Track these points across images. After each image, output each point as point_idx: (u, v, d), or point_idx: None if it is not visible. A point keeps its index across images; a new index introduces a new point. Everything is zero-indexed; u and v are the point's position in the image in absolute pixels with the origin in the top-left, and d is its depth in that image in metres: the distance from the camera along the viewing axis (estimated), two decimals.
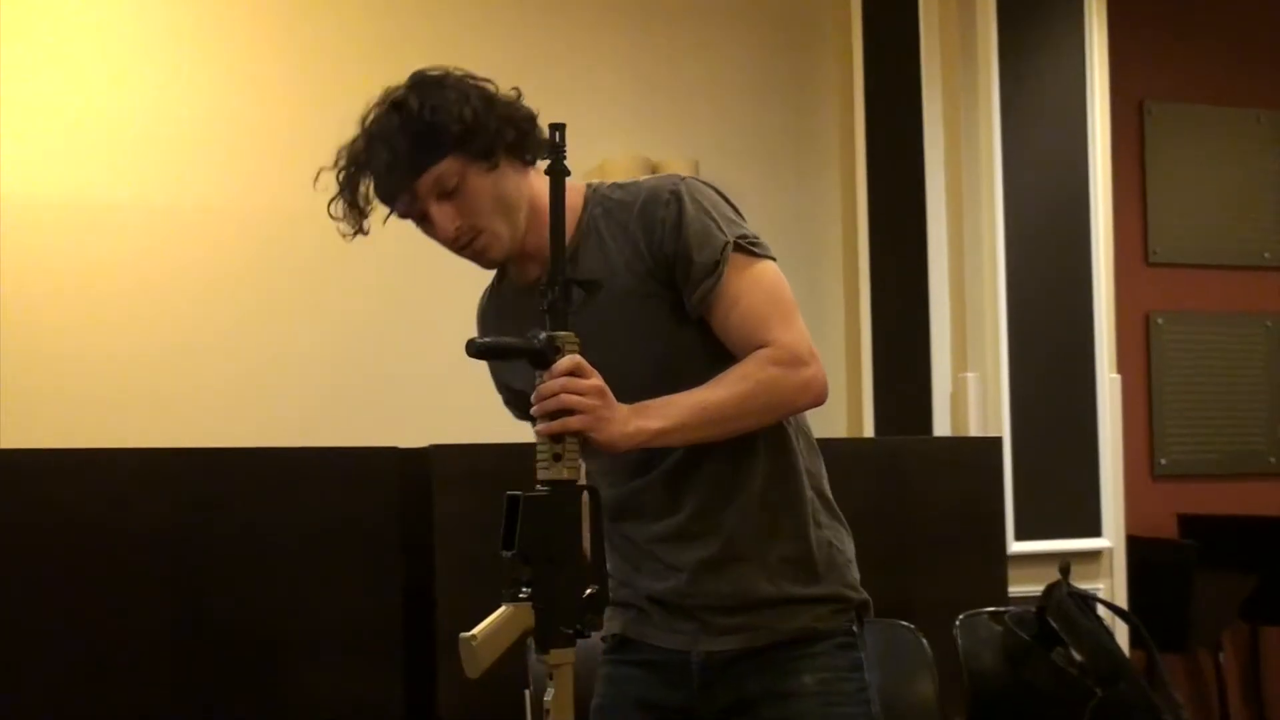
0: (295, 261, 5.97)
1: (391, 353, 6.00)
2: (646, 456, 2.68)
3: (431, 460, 4.59)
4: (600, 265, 2.69)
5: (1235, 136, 7.61)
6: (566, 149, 2.55)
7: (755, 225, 2.78)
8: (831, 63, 6.72)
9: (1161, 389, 7.41)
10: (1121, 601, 6.15)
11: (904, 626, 4.37)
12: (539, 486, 2.48)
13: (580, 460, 2.49)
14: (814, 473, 2.79)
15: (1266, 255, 7.65)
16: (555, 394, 2.46)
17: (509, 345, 2.55)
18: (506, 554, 2.46)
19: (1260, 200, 7.65)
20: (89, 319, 5.71)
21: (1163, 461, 7.38)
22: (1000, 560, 5.45)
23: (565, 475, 2.47)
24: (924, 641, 4.38)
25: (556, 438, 2.46)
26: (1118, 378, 6.39)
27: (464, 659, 2.43)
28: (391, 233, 6.26)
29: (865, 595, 2.78)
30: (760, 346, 2.62)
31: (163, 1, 5.89)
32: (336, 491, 4.55)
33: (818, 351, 2.66)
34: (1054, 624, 4.58)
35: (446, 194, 2.66)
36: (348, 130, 6.11)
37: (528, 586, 2.44)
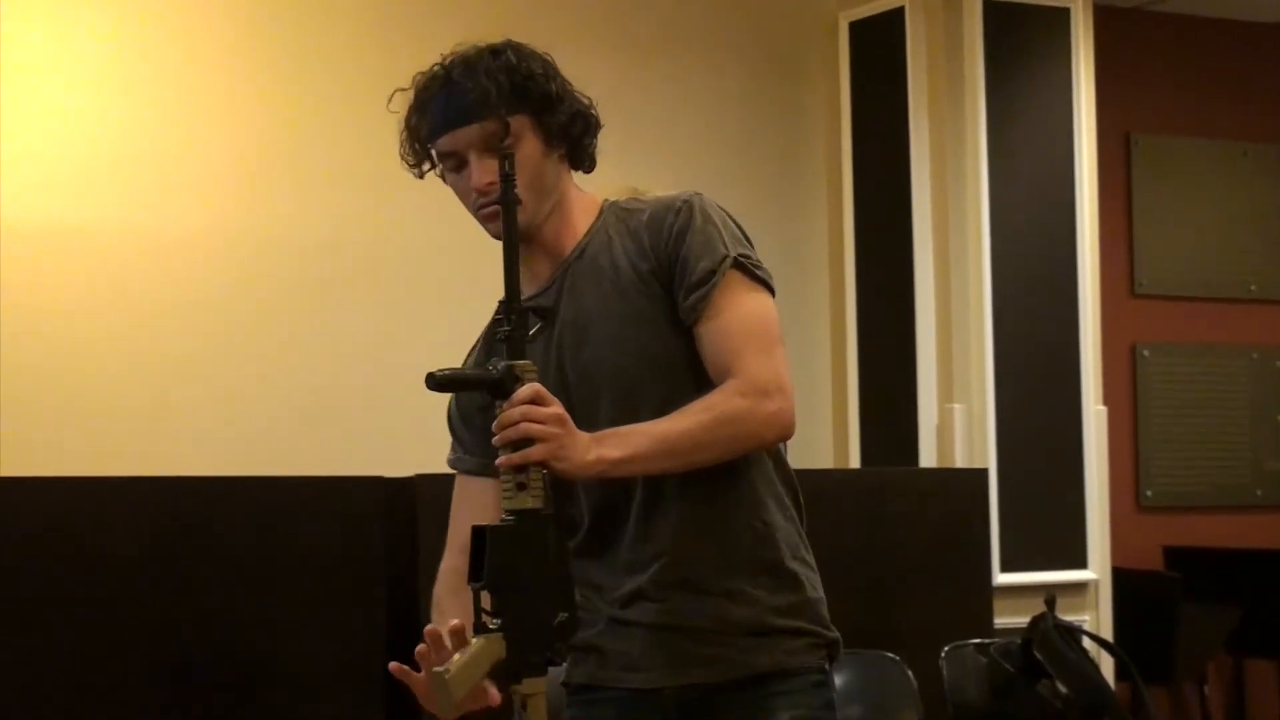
0: (282, 289, 5.96)
1: (378, 381, 5.99)
2: (622, 488, 2.65)
3: (417, 490, 4.58)
4: (605, 259, 2.70)
5: (1221, 169, 7.63)
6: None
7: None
8: (819, 95, 6.72)
9: (1147, 420, 7.41)
10: (1107, 633, 6.14)
11: (889, 657, 4.37)
12: (505, 517, 2.46)
13: (545, 489, 2.46)
14: (790, 507, 2.75)
15: (1252, 288, 7.66)
16: (516, 423, 2.43)
17: (469, 377, 2.54)
18: (474, 585, 2.44)
19: (1246, 233, 7.67)
20: (81, 341, 5.69)
21: (1148, 493, 7.38)
22: (986, 592, 5.45)
23: (530, 504, 2.45)
24: (909, 673, 4.37)
25: (520, 467, 2.44)
26: (1104, 409, 6.40)
27: (440, 696, 2.40)
28: (380, 263, 6.26)
29: (836, 634, 2.74)
30: (730, 374, 2.59)
31: (159, 25, 5.86)
32: (321, 521, 4.54)
33: (791, 386, 2.63)
34: (1039, 656, 4.57)
35: (496, 149, 2.63)
36: (341, 155, 6.09)
37: (497, 617, 2.43)
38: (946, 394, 6.26)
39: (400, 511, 4.57)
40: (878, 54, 6.46)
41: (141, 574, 4.34)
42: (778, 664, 2.66)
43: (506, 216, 2.53)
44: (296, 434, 5.81)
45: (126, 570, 4.31)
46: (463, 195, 2.71)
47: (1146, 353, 7.43)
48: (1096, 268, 6.42)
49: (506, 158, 2.54)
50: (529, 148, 2.67)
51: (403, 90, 2.78)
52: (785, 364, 2.65)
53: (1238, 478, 7.59)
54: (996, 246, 6.21)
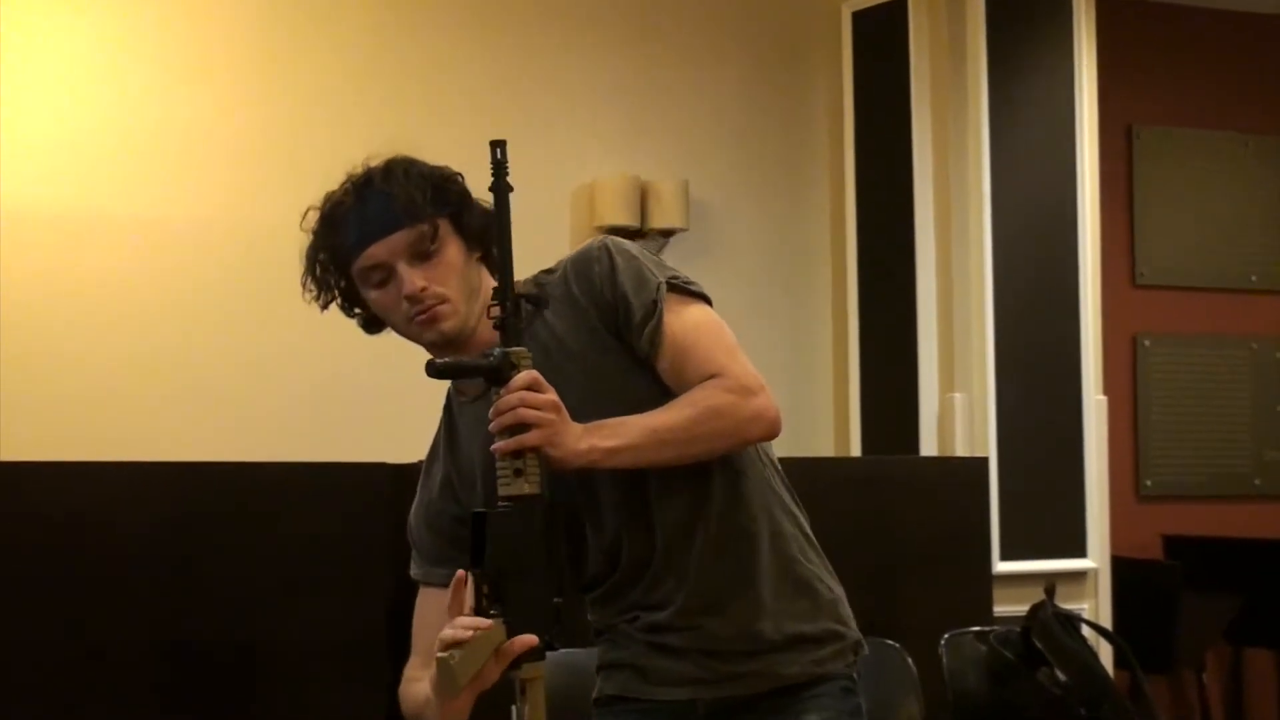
0: (288, 276, 5.96)
1: (384, 369, 5.99)
2: (642, 520, 2.67)
3: (419, 474, 4.58)
4: (547, 338, 2.67)
5: (1222, 161, 7.64)
6: (508, 166, 2.56)
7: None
8: (822, 84, 6.73)
9: (1147, 410, 7.42)
10: (1106, 622, 6.15)
11: (889, 645, 4.37)
12: (502, 503, 2.49)
13: (541, 475, 2.49)
14: (796, 514, 2.78)
15: (1253, 278, 7.67)
16: (513, 408, 2.46)
17: (467, 364, 2.54)
18: (475, 571, 2.47)
19: (1247, 224, 7.67)
20: (82, 330, 5.70)
21: (1148, 483, 7.39)
22: (986, 580, 5.45)
23: (527, 490, 2.48)
24: (909, 661, 4.38)
25: (516, 454, 2.46)
26: (1104, 399, 6.40)
27: (442, 682, 2.42)
28: None
29: (858, 634, 2.77)
30: (710, 377, 2.61)
31: (160, 16, 5.88)
32: (326, 506, 4.54)
33: (767, 386, 2.65)
34: (1039, 644, 4.58)
35: (423, 255, 2.62)
36: (340, 145, 6.07)
37: (497, 602, 2.46)
38: (947, 383, 6.27)
39: (404, 496, 4.57)
40: (880, 43, 6.47)
41: (151, 555, 4.35)
42: (807, 673, 2.69)
43: (499, 201, 2.55)
44: (303, 421, 5.83)
45: (136, 551, 4.32)
46: (389, 308, 2.69)
47: (1147, 343, 7.44)
48: (1097, 258, 6.43)
49: (498, 145, 2.55)
50: (453, 250, 2.65)
51: (314, 208, 2.75)
52: (750, 365, 2.66)
53: (1237, 468, 7.60)
54: (998, 236, 6.21)
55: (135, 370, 5.74)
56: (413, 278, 2.62)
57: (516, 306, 2.54)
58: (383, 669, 4.47)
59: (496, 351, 2.50)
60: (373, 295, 2.69)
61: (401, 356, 6.00)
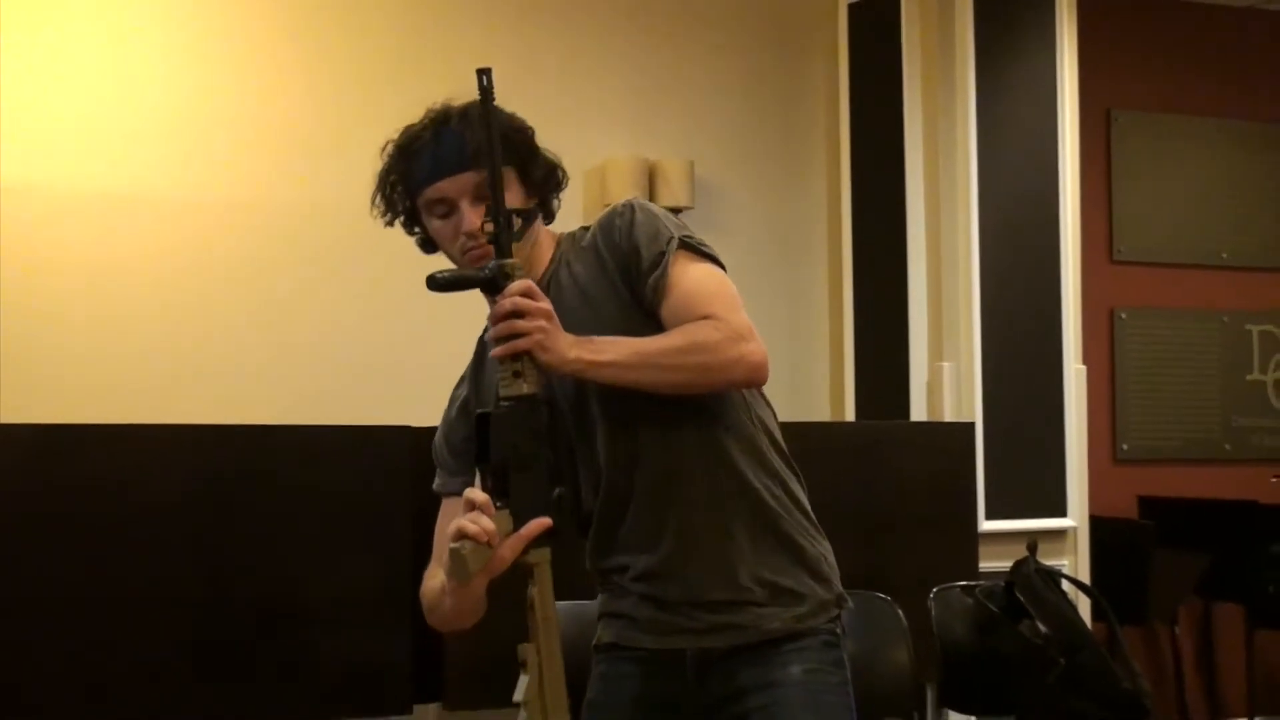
0: (315, 252, 5.97)
1: (407, 339, 6.00)
2: (627, 461, 2.68)
3: None
4: (568, 282, 2.72)
5: (1195, 143, 7.62)
6: (494, 94, 2.60)
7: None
8: (820, 72, 6.72)
9: (1124, 379, 7.41)
10: (1085, 577, 6.16)
11: (881, 598, 4.38)
12: (503, 403, 2.53)
13: (538, 376, 2.53)
14: (785, 478, 2.77)
15: (1224, 255, 7.66)
16: (506, 315, 2.51)
17: (466, 276, 2.59)
18: (481, 466, 2.54)
19: (1218, 203, 7.66)
20: (126, 303, 5.71)
21: (1124, 447, 7.39)
22: (972, 538, 5.45)
23: (526, 390, 2.53)
24: (900, 613, 4.38)
25: (515, 357, 2.51)
26: (1083, 368, 6.40)
27: (454, 568, 2.47)
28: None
29: (839, 589, 2.76)
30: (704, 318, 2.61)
31: (203, 4, 5.87)
32: (353, 466, 4.55)
33: (762, 342, 2.64)
34: (1021, 598, 4.58)
35: (485, 197, 2.66)
36: (355, 122, 6.06)
37: (503, 495, 2.51)
38: (936, 353, 6.27)
39: (427, 459, 4.58)
40: (875, 34, 6.45)
41: (187, 513, 4.36)
42: (788, 628, 2.69)
43: (487, 124, 2.58)
44: (330, 388, 5.84)
45: (172, 510, 4.34)
46: (447, 238, 2.73)
47: (1124, 315, 7.43)
48: (1077, 235, 6.42)
49: (484, 73, 2.59)
50: (513, 197, 2.68)
51: (392, 139, 2.80)
52: (748, 320, 2.65)
53: (1208, 433, 7.59)
54: (984, 215, 6.21)
55: (174, 340, 5.75)
56: (472, 217, 2.68)
57: (508, 221, 2.58)
58: (405, 618, 4.48)
59: (491, 264, 2.55)
60: (434, 224, 2.74)
61: (422, 329, 6.03)
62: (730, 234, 6.42)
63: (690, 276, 2.64)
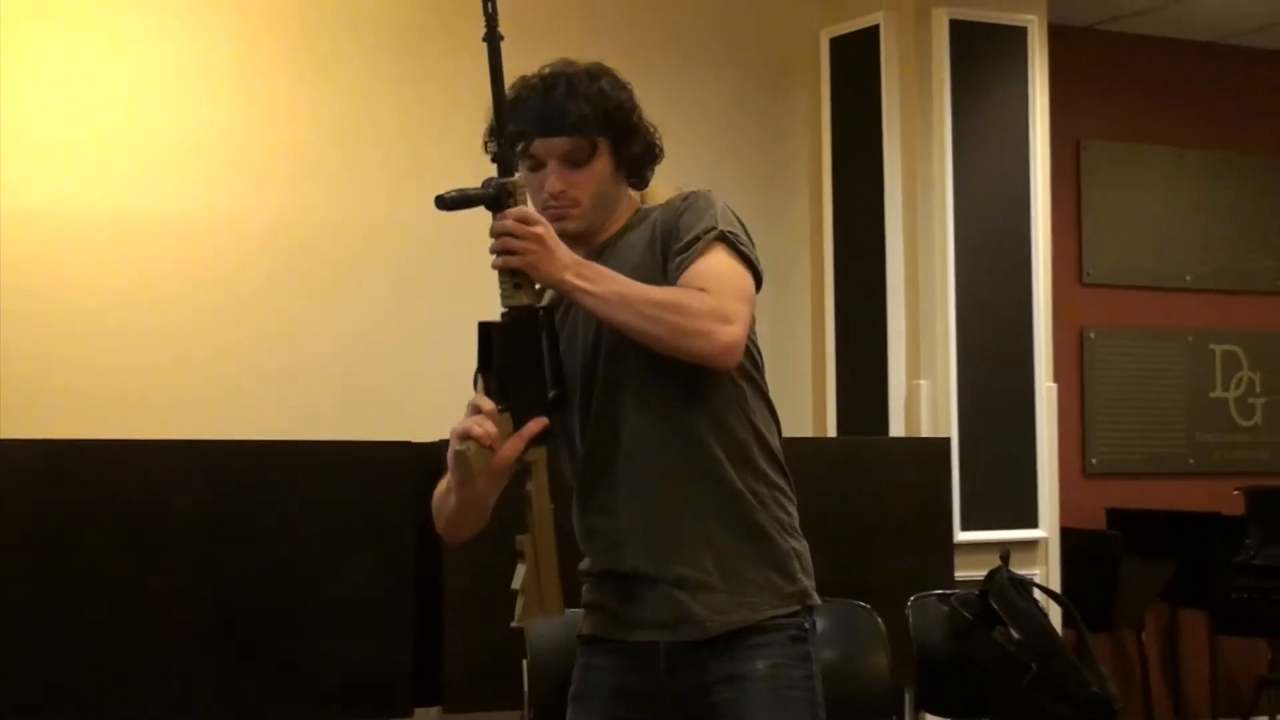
0: (320, 272, 5.96)
1: (408, 355, 6.00)
2: (613, 424, 2.68)
3: (443, 453, 4.59)
4: (625, 246, 2.75)
5: (1161, 172, 7.64)
6: (498, 19, 2.66)
7: None
8: (802, 103, 6.72)
9: (1093, 396, 7.42)
10: (1055, 586, 6.17)
11: (861, 606, 4.39)
12: (504, 313, 2.58)
13: (536, 287, 2.58)
14: (773, 480, 2.74)
15: (1188, 278, 7.68)
16: (503, 234, 2.54)
17: (471, 195, 2.61)
18: (483, 374, 2.59)
19: (1183, 229, 7.68)
20: (138, 323, 5.69)
21: (1093, 461, 7.40)
22: (948, 548, 5.47)
23: (525, 301, 2.57)
24: (879, 620, 4.40)
25: (515, 270, 2.55)
26: (1054, 386, 6.42)
27: (459, 468, 2.53)
28: (412, 248, 6.25)
29: (804, 584, 2.72)
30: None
31: (169, 12, 5.81)
32: (357, 480, 4.57)
33: (744, 336, 2.59)
34: (995, 605, 4.60)
35: (574, 163, 2.70)
36: (359, 146, 6.04)
37: (503, 399, 2.55)
38: (914, 371, 6.28)
39: (427, 472, 4.59)
40: (855, 67, 6.47)
41: (199, 524, 4.37)
42: (745, 620, 2.65)
43: (492, 53, 2.64)
44: (337, 405, 5.83)
45: (185, 521, 4.35)
46: (531, 190, 2.72)
47: (1093, 336, 7.44)
48: (1049, 259, 6.44)
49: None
50: (601, 166, 2.73)
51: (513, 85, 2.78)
52: (749, 319, 2.62)
53: (1173, 448, 7.61)
54: (960, 239, 6.22)
55: (184, 357, 5.73)
56: (555, 180, 2.71)
57: (512, 142, 2.63)
58: (407, 625, 4.50)
59: (494, 183, 2.58)
60: (523, 173, 2.72)
61: (425, 347, 6.03)
62: None
63: (712, 261, 2.63)
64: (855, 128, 6.45)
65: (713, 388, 2.68)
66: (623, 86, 2.81)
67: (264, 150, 5.92)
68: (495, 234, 2.55)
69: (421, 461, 4.61)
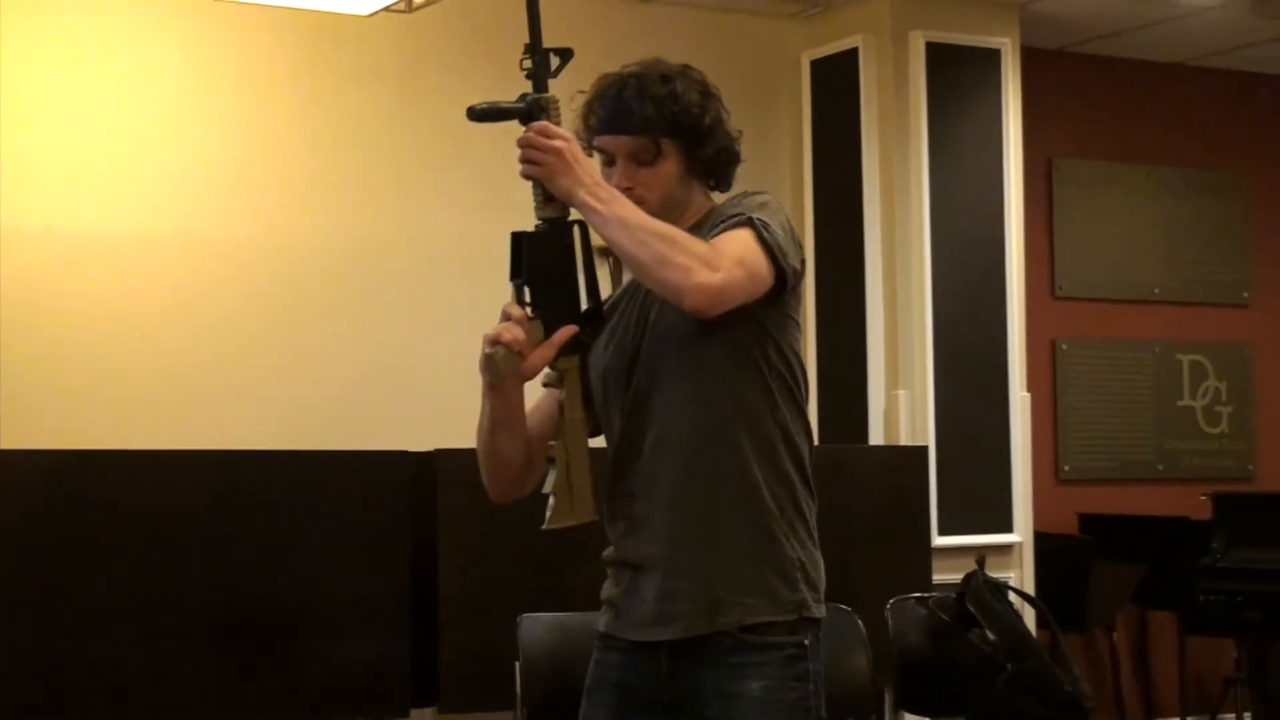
0: (319, 290, 5.96)
1: (404, 368, 6.00)
2: (643, 419, 2.65)
3: (437, 462, 4.60)
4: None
5: (1130, 189, 7.65)
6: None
7: None
8: (784, 123, 6.73)
9: (1065, 405, 7.43)
10: (1029, 588, 6.18)
11: (842, 609, 4.39)
12: (537, 224, 2.58)
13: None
14: (795, 486, 2.69)
15: (1156, 291, 7.69)
16: (525, 147, 2.56)
17: (503, 107, 2.61)
18: (516, 282, 2.57)
19: (1150, 244, 7.69)
20: (146, 337, 5.69)
21: (1066, 468, 7.41)
22: (925, 552, 5.47)
23: (556, 213, 2.58)
24: (859, 622, 4.39)
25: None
26: (1028, 395, 6.43)
27: (489, 369, 2.54)
28: (405, 266, 6.23)
29: (803, 595, 2.66)
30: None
31: (168, 37, 5.82)
32: (355, 489, 4.56)
33: (732, 291, 2.54)
34: (971, 608, 4.60)
35: (642, 161, 2.68)
36: (350, 163, 6.00)
37: (534, 307, 2.56)
38: (893, 382, 6.29)
39: (422, 481, 4.60)
40: (835, 88, 6.49)
41: (203, 530, 4.37)
42: (741, 621, 2.60)
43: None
44: (334, 414, 5.83)
45: (191, 526, 4.35)
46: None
47: (1065, 347, 7.46)
48: (1022, 273, 6.46)
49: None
50: (669, 167, 2.70)
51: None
52: (741, 281, 2.56)
53: (1143, 455, 7.62)
54: (936, 254, 6.24)
55: (189, 371, 5.73)
56: (622, 176, 2.69)
57: (545, 59, 2.62)
58: (403, 627, 4.49)
59: (529, 97, 2.59)
60: (601, 167, 2.73)
61: (419, 361, 6.03)
62: None
63: (731, 235, 2.60)
64: (835, 146, 6.47)
65: (747, 386, 2.65)
66: (699, 90, 2.77)
67: (262, 170, 5.93)
68: (520, 145, 2.56)
69: (416, 470, 4.61)
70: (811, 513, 2.73)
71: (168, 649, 4.27)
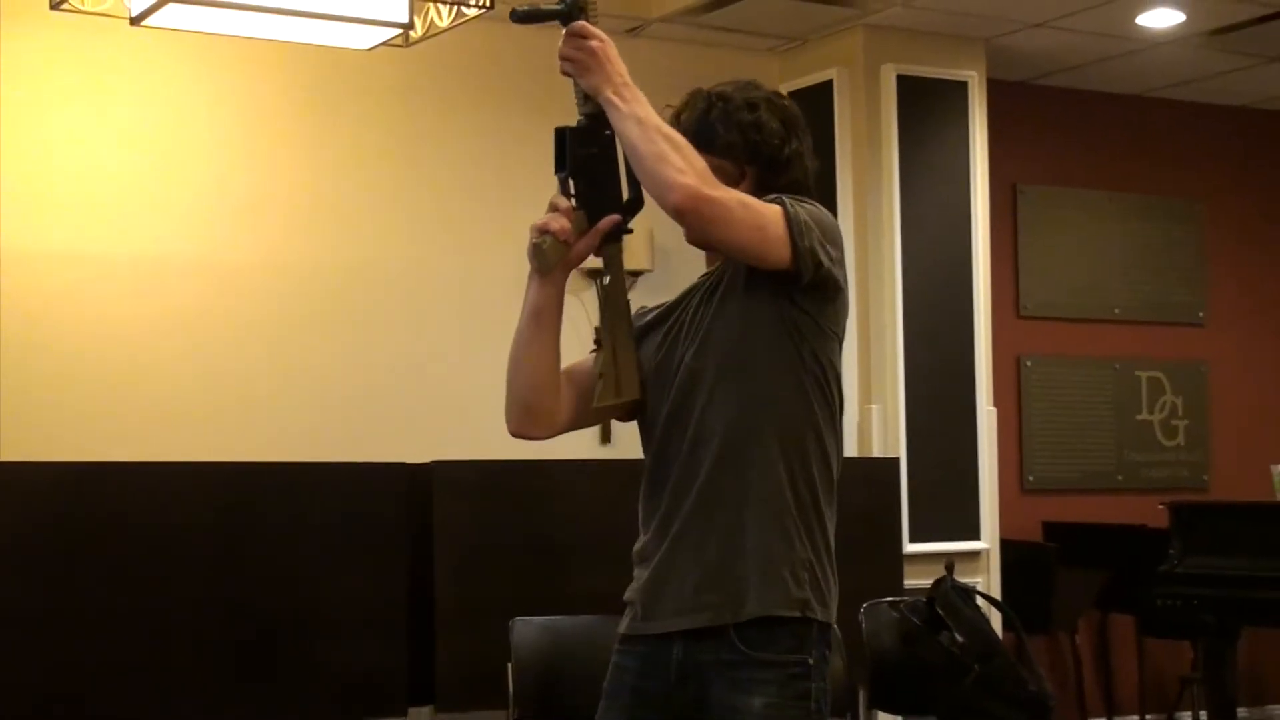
0: (317, 306, 5.96)
1: (400, 383, 6.00)
2: (681, 422, 2.62)
3: (434, 474, 4.60)
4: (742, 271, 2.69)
5: (1091, 214, 7.68)
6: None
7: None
8: None
9: (1030, 419, 7.45)
10: (996, 593, 6.19)
11: None
12: (581, 119, 2.58)
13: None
14: (817, 490, 2.66)
15: (1117, 311, 7.71)
16: (563, 45, 2.54)
17: (543, 10, 2.59)
18: (560, 174, 2.57)
19: (1110, 265, 7.72)
20: (153, 355, 5.69)
21: (1030, 478, 7.42)
22: (897, 558, 5.47)
23: (595, 109, 2.56)
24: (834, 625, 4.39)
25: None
26: (994, 410, 6.45)
27: (536, 259, 2.54)
28: (401, 280, 6.22)
29: (808, 594, 2.61)
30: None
31: (178, 64, 5.82)
32: (353, 499, 4.55)
33: (722, 213, 2.51)
34: (941, 611, 4.60)
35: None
36: (353, 189, 5.98)
37: (579, 198, 2.56)
38: (866, 396, 6.31)
39: (419, 491, 4.59)
40: (810, 117, 6.45)
41: (206, 540, 4.36)
42: (753, 612, 2.55)
43: None
44: (335, 428, 5.83)
45: (194, 535, 4.33)
46: None
47: (1029, 364, 7.47)
48: (988, 293, 6.49)
49: None
50: (744, 189, 2.63)
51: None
52: (735, 210, 2.52)
53: (1104, 466, 7.63)
54: (907, 275, 6.26)
55: (193, 387, 5.73)
56: None
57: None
58: (400, 630, 4.48)
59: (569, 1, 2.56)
60: None
61: (415, 378, 6.01)
62: None
63: (757, 199, 2.58)
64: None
65: (784, 391, 2.61)
66: (784, 120, 2.75)
67: (267, 196, 5.94)
68: (561, 44, 2.55)
69: (411, 481, 4.61)
70: (830, 521, 2.69)
71: (172, 654, 4.26)
